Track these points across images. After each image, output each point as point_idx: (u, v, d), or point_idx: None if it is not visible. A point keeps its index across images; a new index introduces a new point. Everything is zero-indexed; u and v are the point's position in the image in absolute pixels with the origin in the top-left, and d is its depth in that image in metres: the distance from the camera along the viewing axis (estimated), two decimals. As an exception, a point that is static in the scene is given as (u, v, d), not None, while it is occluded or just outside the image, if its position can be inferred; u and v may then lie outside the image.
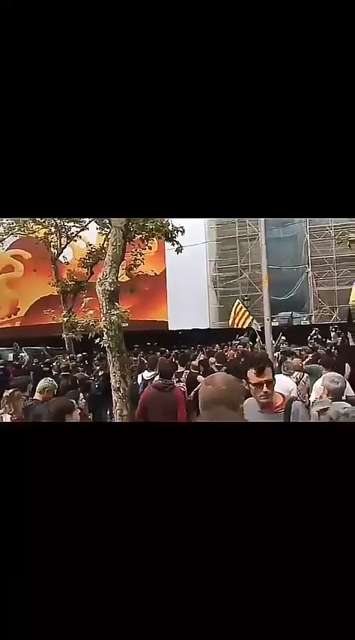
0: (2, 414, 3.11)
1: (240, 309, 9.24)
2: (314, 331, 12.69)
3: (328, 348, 9.81)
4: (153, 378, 4.84)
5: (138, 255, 8.25)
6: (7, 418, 3.07)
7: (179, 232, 6.75)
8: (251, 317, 9.29)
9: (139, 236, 7.17)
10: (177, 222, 6.79)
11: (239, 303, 9.42)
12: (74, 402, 3.01)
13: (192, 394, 4.82)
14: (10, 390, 3.33)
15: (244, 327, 9.40)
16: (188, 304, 18.18)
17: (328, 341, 11.90)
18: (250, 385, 1.93)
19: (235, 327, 9.27)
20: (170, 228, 6.65)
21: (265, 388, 1.86)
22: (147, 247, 7.94)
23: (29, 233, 12.35)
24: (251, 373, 1.89)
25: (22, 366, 9.64)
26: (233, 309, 9.25)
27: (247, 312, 9.31)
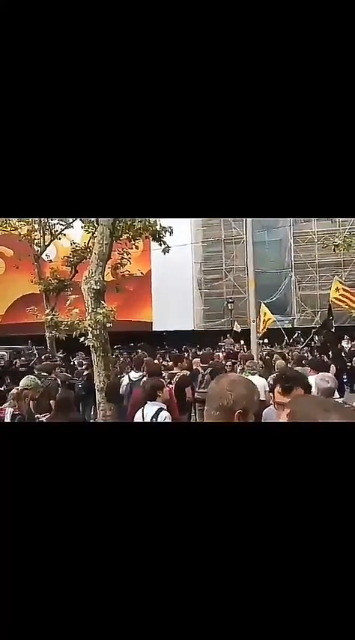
0: (7, 407, 3.30)
1: (265, 313, 9.35)
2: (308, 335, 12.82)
3: (309, 349, 9.98)
4: (140, 379, 4.78)
5: (125, 255, 8.19)
6: (9, 412, 3.21)
7: (167, 232, 6.72)
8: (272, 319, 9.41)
9: (126, 235, 7.11)
10: (165, 222, 6.73)
11: (263, 307, 9.57)
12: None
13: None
14: (20, 388, 3.47)
15: (267, 327, 9.52)
16: (173, 305, 18.16)
17: (312, 342, 12.11)
18: (274, 403, 1.78)
19: (262, 330, 9.33)
20: (158, 227, 6.61)
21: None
22: (133, 247, 7.88)
23: (12, 230, 12.11)
24: (277, 390, 1.73)
25: (29, 364, 9.53)
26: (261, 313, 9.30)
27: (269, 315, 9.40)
